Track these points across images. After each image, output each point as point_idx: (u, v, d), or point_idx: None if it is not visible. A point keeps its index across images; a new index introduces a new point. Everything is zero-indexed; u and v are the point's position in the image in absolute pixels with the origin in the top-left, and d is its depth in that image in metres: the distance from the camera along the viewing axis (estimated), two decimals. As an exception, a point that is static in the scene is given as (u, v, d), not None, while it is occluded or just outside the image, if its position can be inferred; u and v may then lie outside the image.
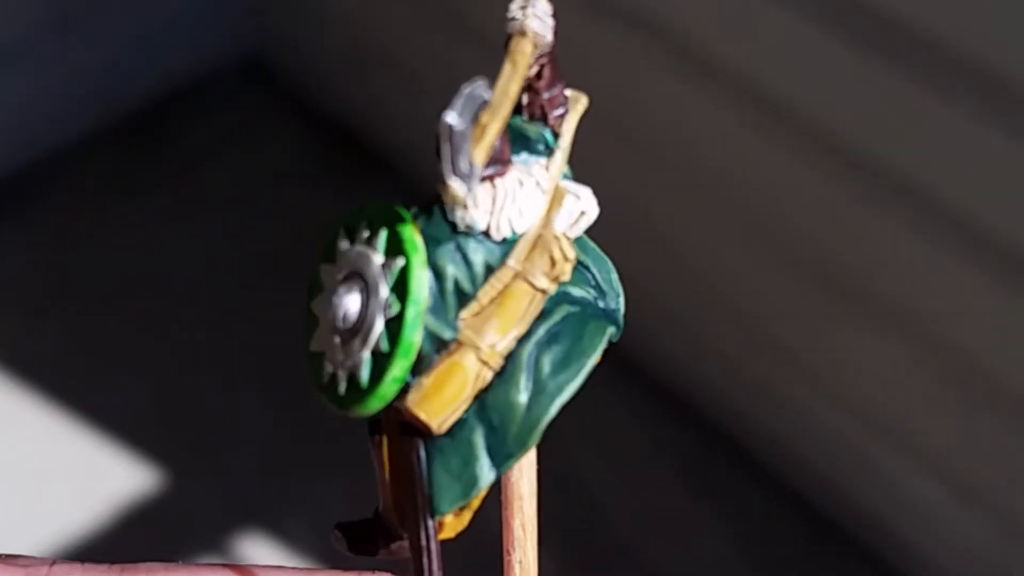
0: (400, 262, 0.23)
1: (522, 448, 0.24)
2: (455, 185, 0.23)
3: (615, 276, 0.26)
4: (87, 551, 0.97)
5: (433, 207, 0.24)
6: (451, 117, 0.22)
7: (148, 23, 1.19)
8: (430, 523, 0.24)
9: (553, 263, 0.24)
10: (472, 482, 0.24)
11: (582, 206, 0.24)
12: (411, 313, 0.23)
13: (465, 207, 0.23)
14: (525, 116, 0.25)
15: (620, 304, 0.26)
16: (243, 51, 1.24)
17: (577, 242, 0.25)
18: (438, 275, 0.24)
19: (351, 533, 0.27)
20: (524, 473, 0.25)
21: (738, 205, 0.86)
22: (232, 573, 0.27)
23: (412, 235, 0.23)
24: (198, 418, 1.04)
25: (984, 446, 0.80)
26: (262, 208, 1.15)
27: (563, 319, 0.24)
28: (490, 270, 0.24)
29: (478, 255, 0.24)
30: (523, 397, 0.24)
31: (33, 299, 1.11)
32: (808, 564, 0.94)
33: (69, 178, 1.17)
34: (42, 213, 1.16)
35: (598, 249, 0.26)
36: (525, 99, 0.25)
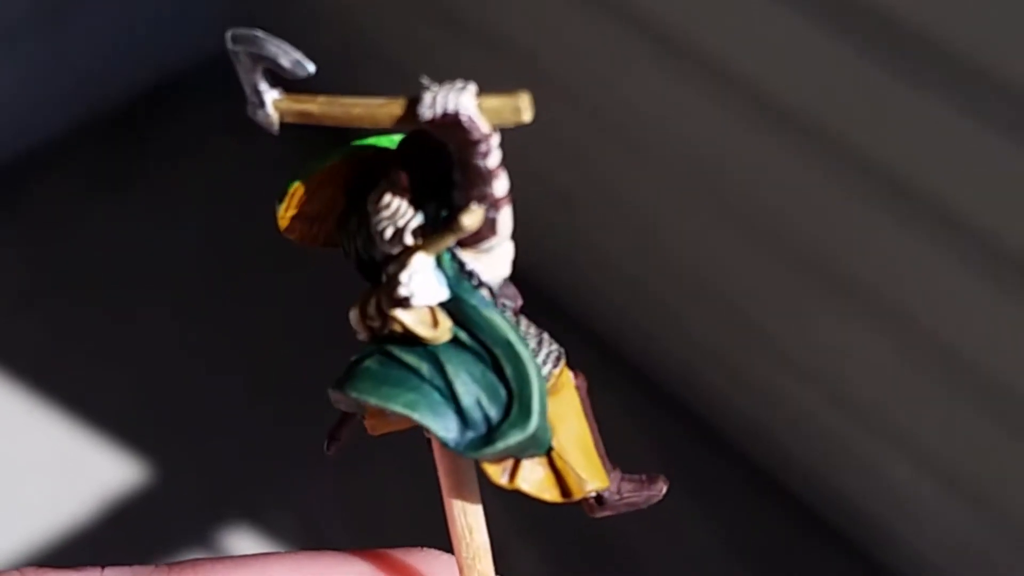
0: None
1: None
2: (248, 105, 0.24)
3: (530, 434, 0.24)
4: (70, 544, 0.97)
5: None
6: (228, 37, 0.23)
7: (133, 16, 1.19)
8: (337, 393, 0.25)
9: (364, 311, 0.24)
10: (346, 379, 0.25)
11: (401, 290, 0.23)
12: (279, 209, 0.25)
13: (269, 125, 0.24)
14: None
15: (496, 446, 0.23)
16: (228, 43, 1.23)
17: (527, 384, 0.24)
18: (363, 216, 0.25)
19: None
20: (466, 511, 0.26)
21: (727, 198, 0.86)
22: (286, 563, 0.27)
23: (318, 162, 0.25)
24: (182, 411, 1.04)
25: (969, 438, 0.80)
26: (246, 201, 1.15)
27: (414, 368, 0.24)
28: (367, 253, 0.25)
29: (360, 236, 0.25)
30: (353, 357, 0.25)
31: (17, 292, 1.11)
32: (793, 556, 0.94)
33: (54, 171, 1.17)
34: (26, 206, 1.15)
35: (537, 390, 0.24)
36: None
